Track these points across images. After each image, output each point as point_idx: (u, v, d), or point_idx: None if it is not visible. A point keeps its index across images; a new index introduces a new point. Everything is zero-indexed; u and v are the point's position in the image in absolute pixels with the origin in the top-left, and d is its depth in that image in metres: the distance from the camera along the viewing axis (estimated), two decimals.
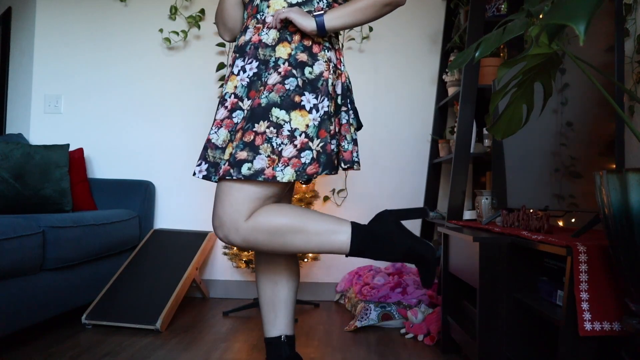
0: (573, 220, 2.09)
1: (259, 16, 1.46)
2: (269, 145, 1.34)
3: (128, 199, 3.05)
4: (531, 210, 1.69)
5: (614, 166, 1.44)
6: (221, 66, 3.14)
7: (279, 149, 1.35)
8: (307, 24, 1.39)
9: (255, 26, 1.46)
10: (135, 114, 3.27)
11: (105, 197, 3.05)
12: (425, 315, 2.41)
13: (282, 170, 1.34)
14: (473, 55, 1.16)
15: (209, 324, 2.54)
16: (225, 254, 2.99)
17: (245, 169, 1.32)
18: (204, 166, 1.44)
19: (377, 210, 3.18)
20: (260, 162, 1.33)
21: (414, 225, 3.17)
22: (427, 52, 3.22)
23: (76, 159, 3.00)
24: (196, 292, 3.15)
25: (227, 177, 1.33)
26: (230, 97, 1.43)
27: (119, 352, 2.06)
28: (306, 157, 1.36)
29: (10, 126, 3.37)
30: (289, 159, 1.35)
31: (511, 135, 1.33)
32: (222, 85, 1.53)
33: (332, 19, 1.41)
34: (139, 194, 3.07)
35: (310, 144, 1.37)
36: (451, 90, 2.89)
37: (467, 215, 2.55)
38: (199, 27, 3.23)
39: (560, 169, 1.69)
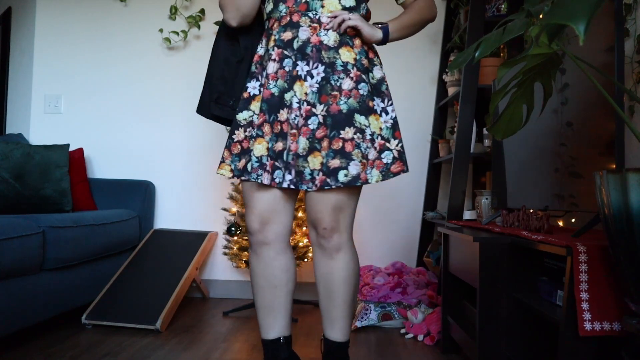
0: (573, 220, 2.09)
1: (311, 15, 1.46)
2: (359, 150, 1.41)
3: (128, 199, 3.05)
4: (531, 210, 1.69)
5: (614, 166, 1.44)
6: None
7: (366, 153, 1.43)
8: (374, 33, 1.47)
9: (310, 25, 1.46)
10: (135, 114, 3.27)
11: (105, 197, 3.05)
12: (425, 315, 2.41)
13: (370, 172, 1.43)
14: (473, 55, 1.16)
15: (209, 324, 2.54)
16: (225, 254, 2.99)
17: (342, 176, 1.39)
18: (282, 174, 1.44)
19: (377, 210, 3.18)
20: (355, 167, 1.40)
21: (413, 225, 3.17)
22: (427, 52, 3.22)
23: (76, 159, 3.00)
24: (196, 292, 3.15)
25: (325, 187, 1.40)
26: (303, 104, 1.44)
27: (119, 352, 2.06)
28: (387, 157, 1.45)
29: (10, 126, 3.37)
30: (373, 161, 1.44)
31: (511, 135, 1.33)
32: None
33: (393, 32, 1.50)
34: (139, 194, 3.07)
35: (387, 144, 1.46)
36: (451, 90, 2.89)
37: (467, 215, 2.55)
38: (199, 27, 3.23)
39: (560, 169, 1.69)
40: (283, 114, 1.46)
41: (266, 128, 1.47)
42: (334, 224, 1.46)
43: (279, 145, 1.45)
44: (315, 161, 1.42)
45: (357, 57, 1.47)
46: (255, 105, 1.51)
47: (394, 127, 1.49)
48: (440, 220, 2.77)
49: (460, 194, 2.43)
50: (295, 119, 1.44)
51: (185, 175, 3.23)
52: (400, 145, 1.48)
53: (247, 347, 2.17)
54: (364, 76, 1.46)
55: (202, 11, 3.21)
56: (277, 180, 1.45)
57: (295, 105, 1.45)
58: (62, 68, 3.29)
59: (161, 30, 3.24)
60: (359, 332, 2.43)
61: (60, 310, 2.28)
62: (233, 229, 2.84)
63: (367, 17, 1.58)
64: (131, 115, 3.27)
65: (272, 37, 1.50)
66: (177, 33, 3.24)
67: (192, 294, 3.15)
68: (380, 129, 1.47)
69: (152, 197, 3.15)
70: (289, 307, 1.57)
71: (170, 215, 3.22)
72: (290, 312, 1.57)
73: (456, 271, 2.00)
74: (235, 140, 1.52)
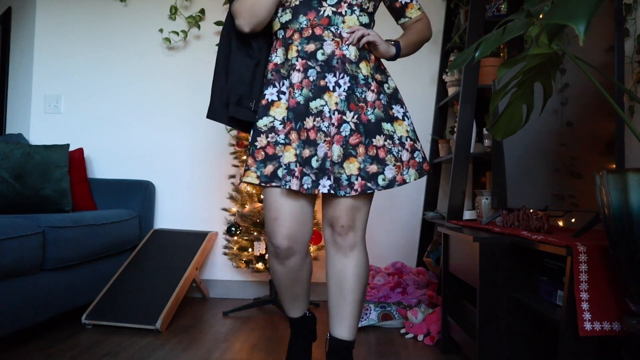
0: (573, 220, 2.09)
1: (333, 29, 1.53)
2: (391, 155, 1.52)
3: (128, 199, 3.05)
4: (531, 210, 1.69)
5: (614, 166, 1.44)
6: None
7: (399, 156, 1.54)
8: (389, 49, 1.59)
9: (334, 39, 1.53)
10: (135, 114, 3.27)
11: (105, 197, 3.05)
12: (425, 315, 2.41)
13: (407, 172, 1.54)
14: (473, 55, 1.16)
15: (209, 324, 2.54)
16: (225, 254, 2.99)
17: (380, 180, 1.50)
18: (311, 181, 1.49)
19: (377, 210, 3.18)
20: (390, 171, 1.51)
21: (413, 225, 3.17)
22: (427, 52, 3.22)
23: (76, 159, 3.00)
24: (196, 292, 3.15)
25: (368, 191, 1.50)
26: (334, 113, 1.50)
27: (119, 352, 2.06)
28: (418, 156, 1.58)
29: (10, 126, 3.37)
30: (408, 161, 1.55)
31: (511, 135, 1.33)
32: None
33: (403, 49, 1.62)
34: (139, 194, 3.07)
35: (416, 145, 1.58)
36: (451, 90, 2.89)
37: (467, 215, 2.55)
38: (199, 27, 3.23)
39: (560, 169, 1.69)
40: (309, 122, 1.50)
41: (293, 135, 1.51)
42: (351, 223, 1.55)
43: (306, 152, 1.49)
44: (352, 167, 1.48)
45: (372, 72, 1.57)
46: (275, 111, 1.55)
47: (415, 129, 1.63)
48: (440, 220, 2.77)
49: (460, 194, 2.43)
50: (328, 127, 1.50)
51: (185, 175, 3.23)
52: (422, 146, 1.65)
53: (247, 347, 2.17)
54: (381, 88, 1.57)
55: (202, 11, 3.21)
56: (305, 186, 1.48)
57: (327, 115, 1.51)
58: (62, 68, 3.29)
59: (161, 30, 3.24)
60: (359, 332, 2.43)
61: (60, 310, 2.28)
62: (233, 229, 2.84)
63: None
64: (131, 115, 3.27)
65: (294, 48, 1.54)
66: (177, 33, 3.24)
67: (192, 294, 3.15)
68: (407, 131, 1.57)
69: (152, 197, 3.15)
70: (307, 294, 1.71)
71: (170, 215, 3.22)
72: (308, 297, 1.72)
73: (456, 271, 2.00)
74: (258, 147, 1.55)
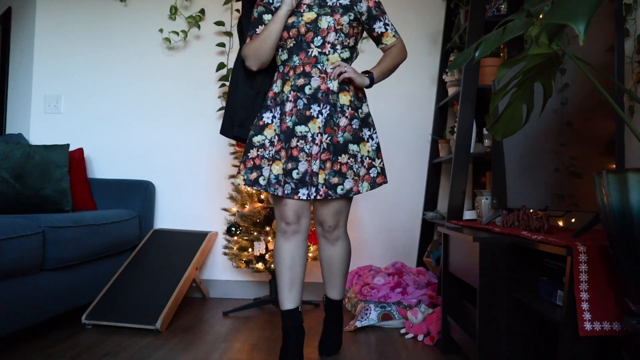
0: (573, 220, 2.09)
1: (320, 67, 1.90)
2: (352, 171, 1.90)
3: (128, 199, 3.05)
4: (531, 210, 1.69)
5: (614, 166, 1.44)
6: (221, 66, 3.14)
7: (358, 172, 1.92)
8: (363, 81, 1.93)
9: (320, 75, 1.90)
10: (135, 114, 3.27)
11: (105, 197, 3.05)
12: (425, 315, 2.41)
13: (361, 185, 1.94)
14: (473, 55, 1.16)
15: (209, 324, 2.54)
16: (225, 254, 2.99)
17: (339, 190, 1.88)
18: (291, 189, 1.89)
19: (377, 210, 3.18)
20: (349, 183, 1.89)
21: (413, 225, 3.17)
22: (427, 52, 3.22)
23: (76, 159, 3.00)
24: (196, 292, 3.15)
25: (328, 197, 1.89)
26: (317, 136, 1.87)
27: (119, 352, 2.06)
28: (373, 172, 1.96)
29: (10, 126, 3.38)
30: (363, 176, 1.95)
31: (511, 135, 1.33)
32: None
33: (377, 78, 1.97)
34: (139, 194, 3.07)
35: (373, 163, 1.96)
36: (451, 90, 2.89)
37: (467, 215, 2.55)
38: (199, 27, 3.23)
39: (560, 169, 1.69)
40: (294, 142, 1.87)
41: (282, 153, 1.89)
42: (335, 223, 1.99)
43: (289, 166, 1.87)
44: (320, 177, 1.87)
45: (352, 99, 1.93)
46: (267, 132, 1.93)
47: (378, 149, 1.99)
48: (440, 220, 2.77)
49: (460, 194, 2.43)
50: (310, 149, 1.87)
51: (185, 175, 3.23)
52: (382, 163, 1.99)
53: (247, 347, 2.17)
54: (355, 113, 1.92)
55: (202, 11, 3.21)
56: (286, 192, 1.87)
57: (309, 138, 1.87)
58: (62, 68, 3.29)
59: (161, 30, 3.24)
60: (359, 332, 2.43)
61: (60, 310, 2.28)
62: (233, 229, 2.84)
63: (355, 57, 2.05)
64: (131, 115, 3.27)
65: (289, 83, 1.92)
66: (177, 33, 3.24)
67: (192, 294, 3.15)
68: (368, 151, 1.95)
69: (152, 197, 3.15)
70: (303, 282, 1.99)
71: (170, 215, 3.22)
72: (302, 286, 1.99)
73: (456, 271, 2.00)
74: (249, 157, 1.93)
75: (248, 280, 3.18)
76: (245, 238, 2.85)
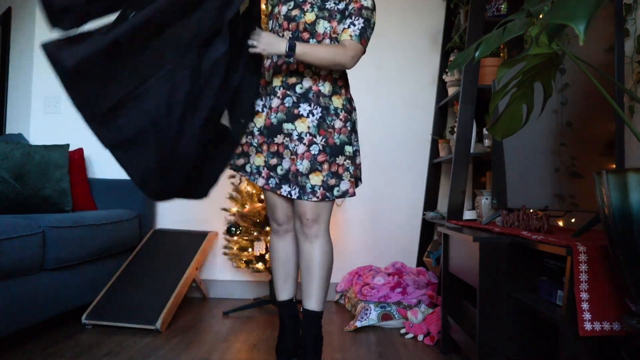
0: (573, 220, 2.09)
1: (313, 68, 1.86)
2: (348, 172, 1.87)
3: (128, 199, 3.04)
4: (531, 210, 1.69)
5: (614, 166, 1.44)
6: None
7: (353, 173, 1.90)
8: (277, 49, 1.76)
9: (312, 77, 1.87)
10: None
11: (105, 197, 3.05)
12: (425, 315, 2.41)
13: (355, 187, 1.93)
14: (473, 55, 1.16)
15: (209, 324, 2.54)
16: (225, 254, 2.99)
17: (335, 192, 1.86)
18: (275, 183, 1.89)
19: (377, 210, 3.18)
20: (345, 185, 1.86)
21: (413, 225, 3.17)
22: (427, 52, 3.22)
23: (76, 159, 3.00)
24: (196, 292, 3.15)
25: (326, 199, 1.85)
26: (306, 135, 1.84)
27: (119, 352, 2.06)
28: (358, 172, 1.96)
29: (10, 126, 3.37)
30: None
31: (511, 135, 1.33)
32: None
33: (300, 51, 1.76)
34: (139, 194, 3.06)
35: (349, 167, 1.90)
36: (451, 90, 2.89)
37: (467, 215, 2.55)
38: None
39: (560, 169, 1.69)
40: (279, 138, 1.86)
41: (264, 147, 1.89)
42: (315, 217, 1.88)
43: (274, 161, 1.87)
44: (316, 179, 1.84)
45: (344, 103, 1.90)
46: (257, 120, 1.92)
47: (355, 157, 1.94)
48: (440, 220, 2.77)
49: (460, 194, 2.43)
50: (294, 147, 1.84)
51: None
52: (356, 170, 1.95)
53: (247, 347, 2.17)
54: (349, 116, 1.90)
55: None
56: (270, 185, 1.88)
57: (295, 137, 1.84)
58: None
59: None
60: (359, 332, 2.43)
61: (60, 310, 2.28)
62: (233, 229, 2.84)
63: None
64: None
65: (280, 78, 1.89)
66: None
67: (192, 294, 3.15)
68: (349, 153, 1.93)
69: None
70: (296, 276, 2.04)
71: (170, 215, 3.22)
72: (296, 280, 2.03)
73: (456, 271, 2.00)
74: (240, 143, 1.93)
75: (248, 280, 3.18)
76: (245, 238, 2.85)
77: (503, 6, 2.63)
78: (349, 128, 1.89)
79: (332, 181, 1.85)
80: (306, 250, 1.91)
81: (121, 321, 2.38)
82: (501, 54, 2.74)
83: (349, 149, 1.88)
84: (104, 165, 3.25)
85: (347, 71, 1.94)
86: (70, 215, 2.41)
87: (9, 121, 3.39)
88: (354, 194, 1.88)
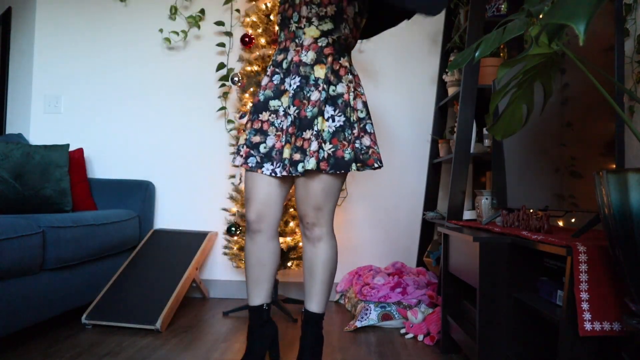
0: (573, 220, 2.09)
1: (297, 40, 1.79)
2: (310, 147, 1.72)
3: (128, 199, 3.05)
4: (531, 210, 1.69)
5: (614, 166, 1.44)
6: (221, 66, 3.14)
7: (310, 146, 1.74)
8: None
9: (295, 49, 1.79)
10: (135, 114, 3.27)
11: (105, 197, 3.05)
12: (425, 315, 2.41)
13: (308, 160, 1.70)
14: (473, 55, 1.16)
15: (209, 324, 2.54)
16: (225, 254, 2.99)
17: (300, 167, 1.71)
18: (255, 162, 1.78)
19: (377, 210, 3.18)
20: (310, 162, 1.69)
21: (413, 225, 3.17)
22: (427, 52, 3.22)
23: (76, 159, 3.00)
24: (196, 292, 3.15)
25: (291, 174, 1.72)
26: (288, 108, 1.75)
27: (119, 352, 2.06)
28: (322, 154, 1.73)
29: (10, 126, 3.38)
30: (313, 152, 1.70)
31: (511, 135, 1.33)
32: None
33: None
34: (139, 194, 3.07)
35: (323, 145, 1.73)
36: (451, 90, 2.89)
37: (467, 215, 2.55)
38: (199, 27, 3.23)
39: (560, 169, 1.69)
40: (265, 115, 1.79)
41: (248, 124, 1.81)
42: (315, 220, 1.80)
43: (256, 139, 1.78)
44: (286, 152, 1.73)
45: (327, 72, 1.76)
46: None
47: (335, 134, 1.74)
48: (440, 220, 2.77)
49: (460, 194, 2.43)
50: (280, 123, 1.77)
51: (185, 175, 3.23)
52: (332, 150, 1.73)
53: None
54: (325, 87, 1.75)
55: (202, 11, 3.21)
56: (249, 165, 1.78)
57: (281, 113, 1.77)
58: (62, 68, 3.29)
59: (161, 30, 3.24)
60: (359, 332, 2.43)
61: (60, 310, 2.28)
62: (233, 229, 2.84)
63: (354, 35, 1.84)
64: (131, 115, 3.27)
65: (272, 58, 1.85)
66: (177, 33, 3.24)
67: (192, 294, 3.15)
68: (323, 130, 1.74)
69: (152, 197, 3.15)
70: (272, 281, 1.90)
71: (170, 215, 3.22)
72: (272, 285, 1.91)
73: (456, 271, 2.00)
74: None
75: None
76: (245, 238, 2.85)
77: (503, 6, 2.63)
78: (322, 98, 1.75)
79: (297, 156, 1.73)
80: (308, 253, 1.86)
81: (121, 321, 2.38)
82: (501, 54, 2.74)
83: (319, 122, 1.73)
84: (104, 165, 3.26)
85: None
86: (70, 215, 2.41)
87: (9, 121, 3.39)
88: (325, 171, 1.72)
